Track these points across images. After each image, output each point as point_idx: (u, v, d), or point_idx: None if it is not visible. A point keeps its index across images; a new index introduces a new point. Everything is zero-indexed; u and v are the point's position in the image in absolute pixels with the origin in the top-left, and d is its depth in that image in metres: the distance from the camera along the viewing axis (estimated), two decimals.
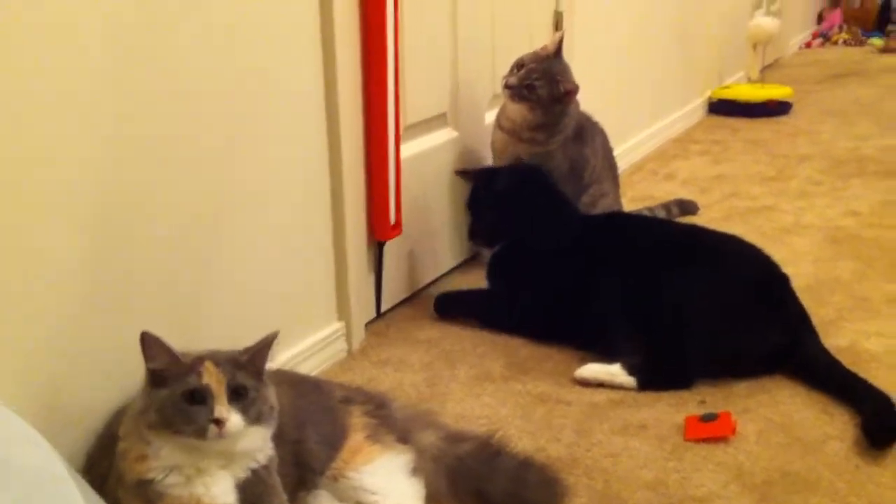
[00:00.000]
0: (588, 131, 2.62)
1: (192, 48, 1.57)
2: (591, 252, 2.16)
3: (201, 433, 1.21)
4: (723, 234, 2.20)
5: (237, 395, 1.24)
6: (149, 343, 1.24)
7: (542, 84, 2.43)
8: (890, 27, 7.36)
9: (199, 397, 1.22)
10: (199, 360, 1.25)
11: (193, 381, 1.23)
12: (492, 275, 2.32)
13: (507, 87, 2.46)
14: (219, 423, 1.21)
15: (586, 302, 2.10)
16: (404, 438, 1.53)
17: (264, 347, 1.30)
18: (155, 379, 1.25)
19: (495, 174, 2.37)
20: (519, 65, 2.48)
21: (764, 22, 4.83)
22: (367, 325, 2.22)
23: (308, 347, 1.98)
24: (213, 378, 1.23)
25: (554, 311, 2.16)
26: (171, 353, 1.25)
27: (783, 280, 2.05)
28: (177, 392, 1.22)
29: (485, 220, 2.34)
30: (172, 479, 1.23)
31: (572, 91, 2.47)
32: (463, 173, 2.45)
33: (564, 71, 2.50)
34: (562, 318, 2.14)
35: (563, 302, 2.14)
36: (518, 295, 2.23)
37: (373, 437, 1.49)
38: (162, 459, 1.23)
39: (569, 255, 2.18)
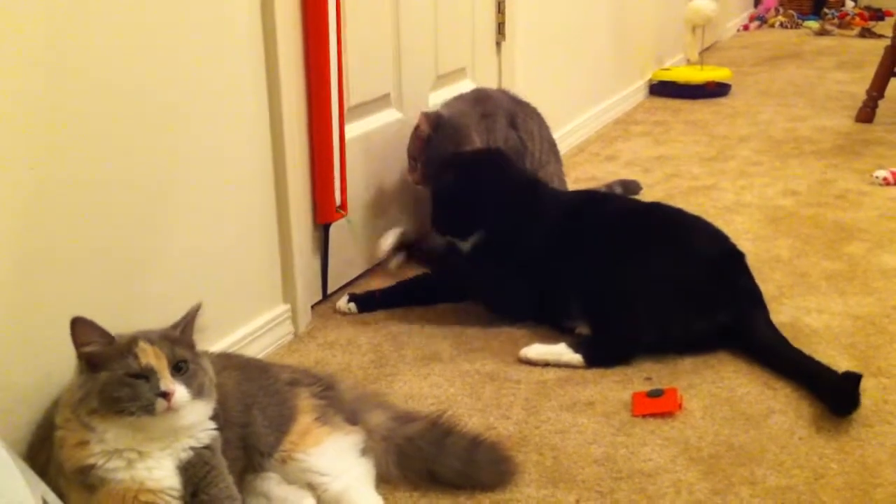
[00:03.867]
0: (518, 116, 2.60)
1: (134, 26, 1.54)
2: (561, 230, 2.12)
3: (149, 409, 1.20)
4: (681, 213, 2.18)
5: (178, 370, 1.24)
6: (82, 327, 1.22)
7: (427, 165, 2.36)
8: (825, 10, 7.47)
9: (142, 376, 1.21)
10: (133, 340, 1.24)
11: (133, 362, 1.21)
12: (474, 265, 2.17)
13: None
14: (166, 395, 1.20)
15: (557, 278, 2.08)
16: (353, 419, 1.53)
17: (192, 319, 1.30)
18: (91, 363, 1.23)
19: (462, 162, 2.23)
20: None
21: (702, 4, 4.86)
22: (314, 307, 2.21)
23: (254, 330, 1.95)
24: (151, 356, 1.22)
25: (536, 290, 2.11)
26: (106, 335, 1.24)
27: (737, 258, 2.07)
28: (118, 373, 1.20)
29: (460, 211, 2.15)
30: (114, 463, 1.21)
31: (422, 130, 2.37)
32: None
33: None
34: (545, 297, 2.10)
35: (542, 280, 2.10)
36: (508, 281, 2.13)
37: (321, 419, 1.48)
38: (106, 444, 1.21)
39: (542, 234, 2.12)
